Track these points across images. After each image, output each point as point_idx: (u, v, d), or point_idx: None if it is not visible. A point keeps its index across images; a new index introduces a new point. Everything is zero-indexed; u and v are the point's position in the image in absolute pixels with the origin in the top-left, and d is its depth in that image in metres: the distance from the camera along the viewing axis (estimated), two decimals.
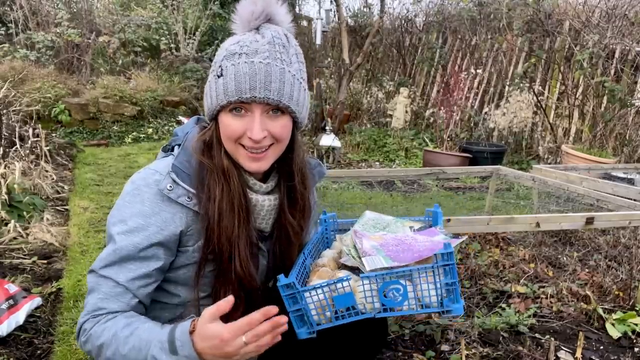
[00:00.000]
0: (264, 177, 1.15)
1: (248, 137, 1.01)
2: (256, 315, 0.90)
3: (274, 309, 0.90)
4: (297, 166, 1.15)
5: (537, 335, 2.27)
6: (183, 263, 1.08)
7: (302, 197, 1.18)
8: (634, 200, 2.65)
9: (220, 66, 1.02)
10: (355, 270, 1.10)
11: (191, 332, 0.92)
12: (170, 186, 1.03)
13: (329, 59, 9.78)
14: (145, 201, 1.03)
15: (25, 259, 2.93)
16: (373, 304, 1.00)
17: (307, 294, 1.00)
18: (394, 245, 1.12)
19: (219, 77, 1.02)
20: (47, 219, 3.44)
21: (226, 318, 1.10)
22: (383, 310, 1.00)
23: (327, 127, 6.12)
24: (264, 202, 1.11)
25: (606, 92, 5.72)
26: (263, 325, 0.89)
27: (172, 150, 1.14)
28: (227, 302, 0.91)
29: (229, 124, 1.02)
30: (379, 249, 1.10)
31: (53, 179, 4.31)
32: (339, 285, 0.99)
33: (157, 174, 1.05)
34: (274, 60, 0.99)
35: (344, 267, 1.15)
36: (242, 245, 1.07)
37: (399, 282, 0.98)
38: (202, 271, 1.08)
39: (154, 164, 1.11)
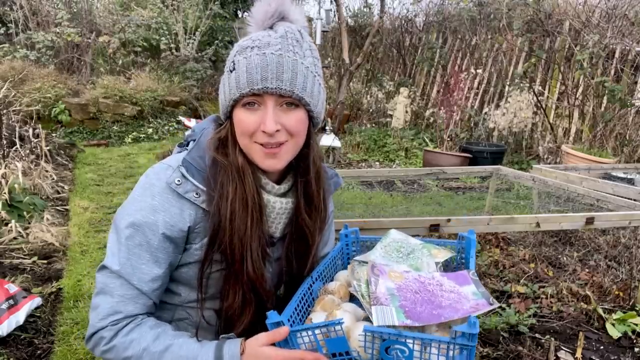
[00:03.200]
0: (278, 179, 1.12)
1: (262, 131, 0.99)
2: (309, 355, 0.92)
3: (325, 358, 0.92)
4: (313, 162, 1.11)
5: (537, 335, 2.27)
6: (185, 261, 1.07)
7: (317, 197, 1.14)
8: (634, 200, 2.65)
9: (232, 61, 1.01)
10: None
11: (240, 354, 0.94)
12: (179, 180, 1.02)
13: (329, 59, 9.78)
14: (155, 195, 1.01)
15: (25, 259, 2.93)
16: (372, 355, 0.92)
17: (297, 334, 0.94)
18: (414, 292, 1.02)
19: (231, 71, 1.01)
20: (47, 219, 3.44)
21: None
22: None
23: (327, 127, 6.12)
24: (275, 204, 1.09)
25: (606, 92, 5.72)
26: None
27: (188, 145, 1.12)
28: (284, 332, 0.92)
29: (243, 119, 1.01)
30: (394, 295, 1.00)
31: (53, 179, 4.31)
32: (331, 328, 0.91)
33: (169, 169, 1.04)
34: (286, 52, 0.98)
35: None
36: (254, 247, 1.05)
37: (406, 345, 0.88)
38: (206, 271, 1.05)
39: (168, 158, 1.09)
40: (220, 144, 1.06)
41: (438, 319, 0.94)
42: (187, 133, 1.17)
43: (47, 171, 4.34)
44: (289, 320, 0.97)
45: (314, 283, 1.13)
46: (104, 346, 0.99)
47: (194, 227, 1.04)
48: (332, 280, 1.20)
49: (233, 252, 1.03)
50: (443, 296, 1.01)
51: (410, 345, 0.88)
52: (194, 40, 8.59)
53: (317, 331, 0.92)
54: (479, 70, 7.41)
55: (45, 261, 2.93)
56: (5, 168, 3.70)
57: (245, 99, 0.99)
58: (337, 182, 1.27)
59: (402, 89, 7.63)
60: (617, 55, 5.93)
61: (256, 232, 1.05)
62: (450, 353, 0.87)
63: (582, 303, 2.53)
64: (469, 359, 0.87)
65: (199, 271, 1.05)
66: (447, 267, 1.24)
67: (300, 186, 1.12)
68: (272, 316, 0.93)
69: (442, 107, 6.93)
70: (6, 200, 3.34)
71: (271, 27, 1.03)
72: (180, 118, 7.43)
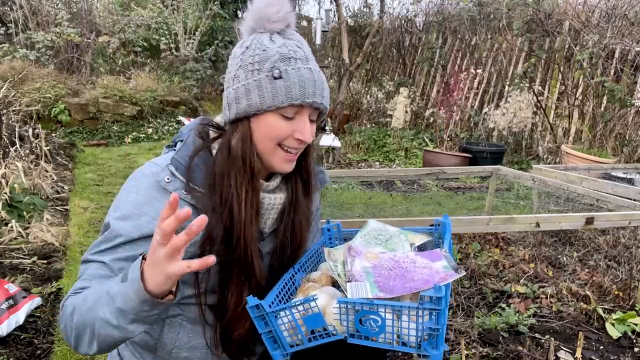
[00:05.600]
0: (267, 176, 1.15)
1: (295, 139, 1.06)
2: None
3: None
4: (312, 165, 1.19)
5: (537, 335, 2.27)
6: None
7: (310, 194, 1.20)
8: (634, 200, 2.65)
9: (277, 68, 1.02)
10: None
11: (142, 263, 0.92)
12: (168, 178, 1.05)
13: (329, 59, 9.78)
14: (140, 191, 1.05)
15: (25, 259, 2.93)
16: (347, 327, 0.95)
17: (276, 315, 0.97)
18: (388, 269, 1.07)
19: (276, 78, 1.03)
20: (47, 219, 3.44)
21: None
22: (357, 336, 0.95)
23: (327, 127, 6.12)
24: (264, 200, 1.12)
25: (606, 92, 5.72)
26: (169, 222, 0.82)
27: (175, 146, 1.15)
28: (208, 260, 0.84)
29: (278, 125, 1.05)
30: (369, 272, 1.05)
31: (53, 179, 4.31)
32: (306, 305, 0.94)
33: (156, 167, 1.08)
34: (318, 68, 1.08)
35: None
36: (255, 245, 1.09)
37: (378, 314, 0.92)
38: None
39: (156, 158, 1.13)
40: (229, 147, 1.07)
41: (410, 289, 0.99)
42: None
43: (47, 171, 4.34)
44: (270, 305, 1.00)
45: (296, 273, 1.16)
46: (60, 312, 1.01)
47: None
48: (314, 272, 1.22)
49: (245, 255, 1.07)
50: (416, 272, 1.06)
51: (383, 314, 0.92)
52: (194, 40, 8.60)
53: (294, 310, 0.95)
54: (479, 70, 7.41)
55: (45, 261, 2.93)
56: (5, 168, 3.70)
57: (289, 109, 1.04)
58: (323, 179, 1.31)
59: (402, 89, 7.63)
60: (617, 55, 5.94)
61: (256, 232, 1.09)
62: (420, 319, 0.91)
63: (582, 303, 2.53)
64: (438, 323, 0.91)
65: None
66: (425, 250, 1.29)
67: (296, 184, 1.17)
68: (250, 300, 0.96)
69: (442, 107, 6.93)
70: (6, 200, 3.34)
71: (280, 34, 1.06)
72: (180, 118, 7.43)
